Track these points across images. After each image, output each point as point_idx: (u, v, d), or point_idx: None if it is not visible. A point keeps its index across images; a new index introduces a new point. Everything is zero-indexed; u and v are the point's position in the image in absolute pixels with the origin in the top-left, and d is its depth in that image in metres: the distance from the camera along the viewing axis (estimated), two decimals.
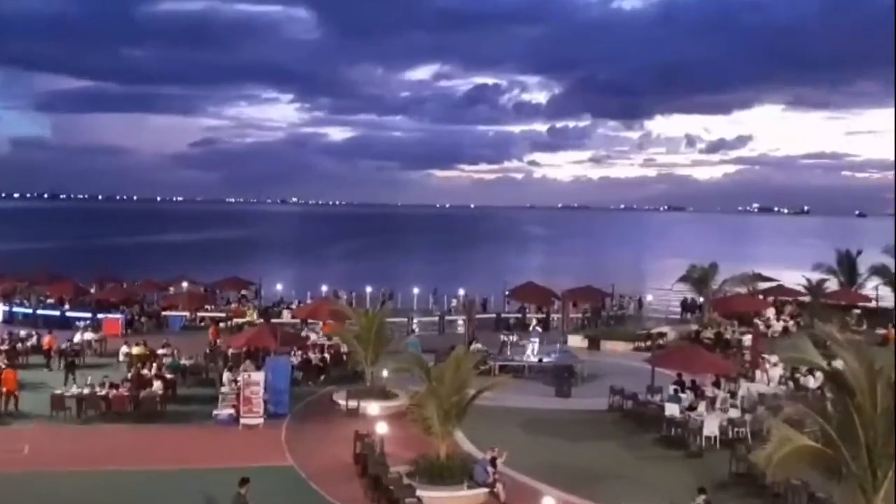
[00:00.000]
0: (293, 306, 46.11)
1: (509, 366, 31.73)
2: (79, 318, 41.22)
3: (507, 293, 48.84)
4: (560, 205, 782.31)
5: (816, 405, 15.13)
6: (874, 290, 48.74)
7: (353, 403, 25.90)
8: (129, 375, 27.71)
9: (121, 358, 32.34)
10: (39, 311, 43.72)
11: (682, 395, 25.75)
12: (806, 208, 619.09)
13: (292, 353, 31.27)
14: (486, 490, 18.69)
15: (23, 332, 36.22)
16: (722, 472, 20.57)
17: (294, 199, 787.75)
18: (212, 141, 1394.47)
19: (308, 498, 18.85)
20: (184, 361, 30.73)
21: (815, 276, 47.27)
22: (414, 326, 42.99)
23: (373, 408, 23.40)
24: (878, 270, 48.71)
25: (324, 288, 52.99)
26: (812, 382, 26.96)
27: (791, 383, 28.01)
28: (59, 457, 21.24)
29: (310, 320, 39.47)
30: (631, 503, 17.96)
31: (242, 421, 24.16)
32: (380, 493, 18.18)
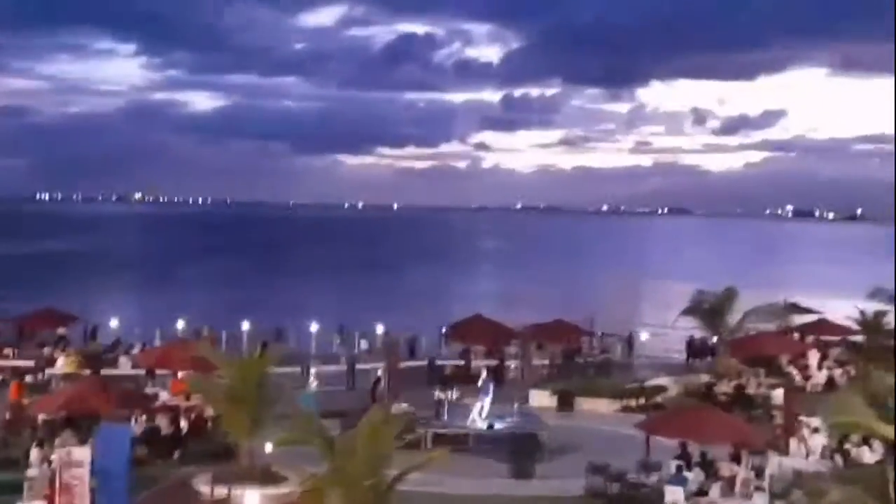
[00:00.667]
0: (134, 351, 45.67)
1: (447, 435, 31.81)
2: None
3: (444, 331, 48.93)
4: (520, 205, 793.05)
5: (875, 487, 15.42)
6: None
7: (221, 491, 25.51)
8: None
9: None
10: None
11: (689, 475, 26.10)
12: (859, 212, 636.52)
13: (133, 419, 30.91)
14: None
15: None
16: None
17: (138, 196, 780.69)
18: (18, 111, 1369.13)
19: None
20: None
21: (872, 307, 48.41)
22: (311, 378, 42.76)
23: (251, 497, 23.21)
24: None
25: (180, 324, 52.64)
26: (868, 455, 27.63)
27: (839, 456, 28.64)
28: None
29: (159, 371, 39.04)
30: None
31: None
32: None
